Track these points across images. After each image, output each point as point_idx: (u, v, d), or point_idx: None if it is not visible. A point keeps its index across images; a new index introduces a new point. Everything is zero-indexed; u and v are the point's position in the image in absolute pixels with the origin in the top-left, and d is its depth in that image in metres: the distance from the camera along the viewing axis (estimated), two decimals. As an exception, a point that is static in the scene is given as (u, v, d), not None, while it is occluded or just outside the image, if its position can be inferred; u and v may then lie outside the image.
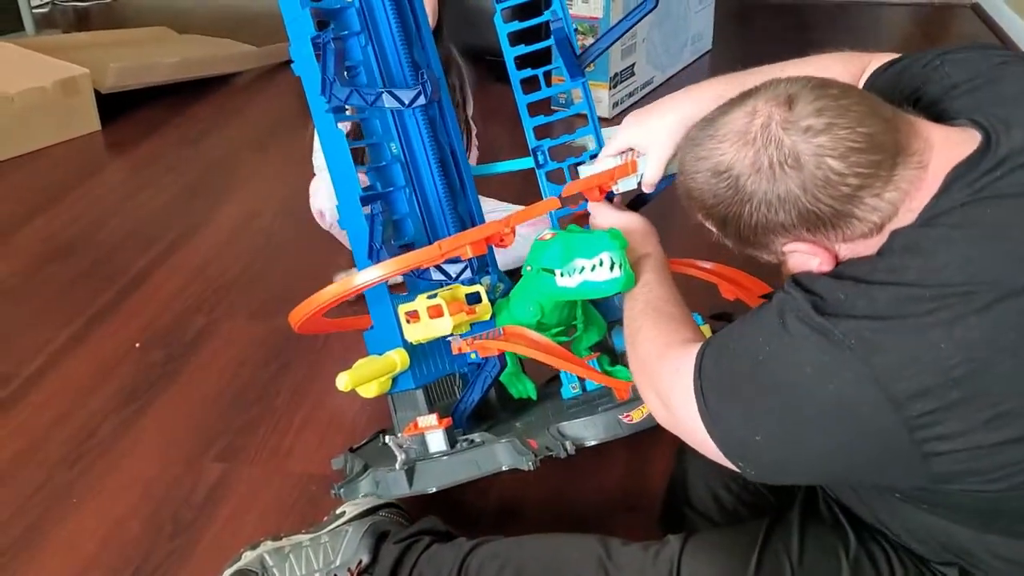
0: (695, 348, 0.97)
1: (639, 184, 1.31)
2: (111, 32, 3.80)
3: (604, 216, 1.30)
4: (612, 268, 1.18)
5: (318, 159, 2.17)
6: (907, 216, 0.89)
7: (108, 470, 1.64)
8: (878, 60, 1.13)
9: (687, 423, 0.96)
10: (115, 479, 1.62)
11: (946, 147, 0.90)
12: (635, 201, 1.46)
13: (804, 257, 0.95)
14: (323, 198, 2.06)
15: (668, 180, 1.39)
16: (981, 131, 0.91)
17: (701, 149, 0.95)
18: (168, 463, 1.65)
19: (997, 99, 0.96)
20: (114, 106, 3.11)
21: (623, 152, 1.29)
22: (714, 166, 0.93)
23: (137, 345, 1.97)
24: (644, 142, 1.25)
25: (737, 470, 0.94)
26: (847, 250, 0.93)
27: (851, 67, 1.13)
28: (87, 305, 2.13)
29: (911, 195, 0.89)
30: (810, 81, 0.92)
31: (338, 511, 1.36)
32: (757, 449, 0.91)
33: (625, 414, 1.17)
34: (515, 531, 1.30)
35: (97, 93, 3.04)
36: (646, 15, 1.45)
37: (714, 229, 1.00)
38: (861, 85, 1.11)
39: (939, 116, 0.98)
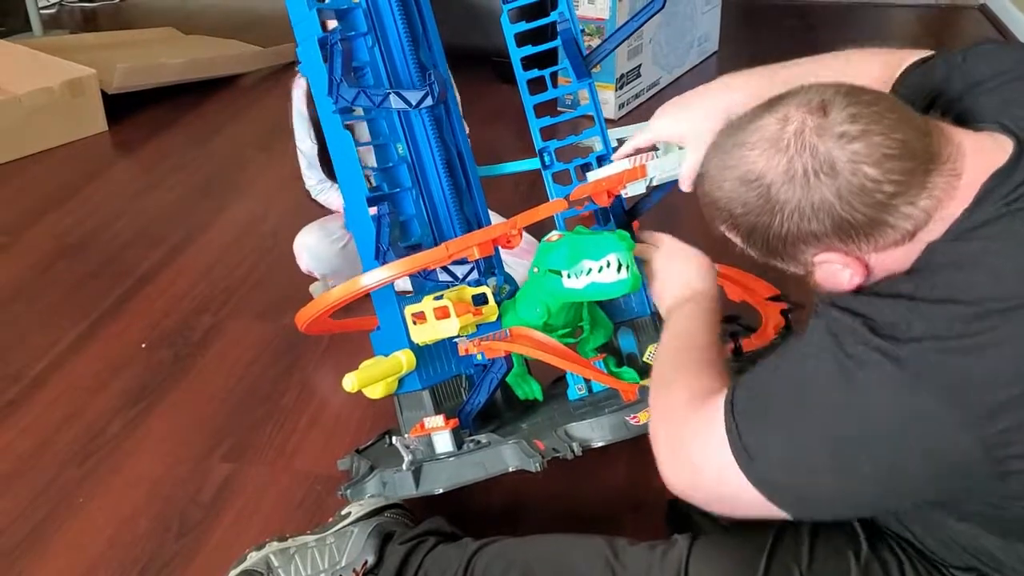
0: (719, 398, 0.94)
1: (648, 187, 1.31)
2: (118, 33, 3.81)
3: (666, 247, 1.27)
4: (619, 269, 1.18)
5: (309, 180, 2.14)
6: (938, 225, 0.88)
7: (115, 469, 1.65)
8: (912, 57, 1.12)
9: (717, 475, 0.92)
10: (122, 478, 1.62)
11: (979, 155, 0.89)
12: (635, 206, 1.46)
13: (835, 268, 0.93)
14: (306, 260, 2.05)
15: (669, 187, 1.40)
16: (1012, 137, 0.90)
17: (729, 157, 0.93)
18: (175, 462, 1.65)
19: (1022, 102, 0.95)
20: (121, 107, 3.12)
21: (643, 150, 1.29)
22: (744, 174, 0.91)
23: (144, 345, 1.98)
24: (681, 134, 1.23)
25: (780, 513, 0.91)
26: (876, 260, 0.92)
27: (891, 64, 1.12)
28: (95, 305, 2.13)
29: (944, 203, 0.88)
30: (841, 87, 0.90)
31: (343, 512, 1.36)
32: (808, 481, 0.88)
33: (632, 416, 1.17)
34: (521, 531, 1.30)
35: (104, 94, 3.05)
36: (653, 15, 1.45)
37: (738, 240, 0.97)
38: (894, 82, 1.11)
39: (963, 115, 0.98)
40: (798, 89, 0.92)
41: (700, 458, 0.95)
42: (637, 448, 1.31)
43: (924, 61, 1.10)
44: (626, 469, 1.54)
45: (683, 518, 1.35)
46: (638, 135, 1.30)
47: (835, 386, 0.86)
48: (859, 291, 0.93)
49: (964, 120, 0.97)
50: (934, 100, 1.04)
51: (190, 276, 2.25)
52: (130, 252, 2.36)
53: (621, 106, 3.04)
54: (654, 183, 1.30)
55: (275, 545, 1.33)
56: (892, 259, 0.91)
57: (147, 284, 2.22)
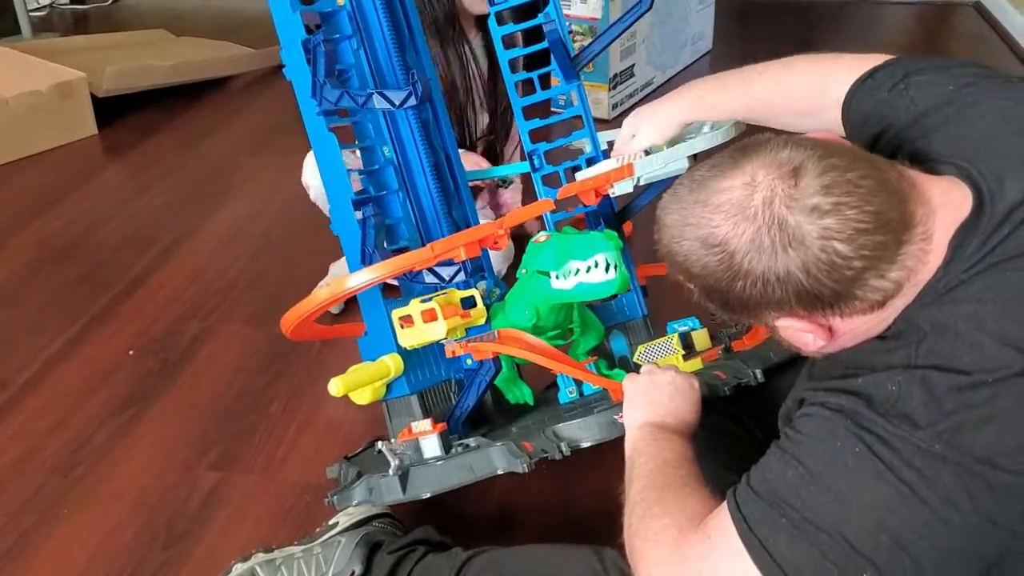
0: (718, 513, 0.88)
1: (636, 186, 1.30)
2: (108, 35, 3.79)
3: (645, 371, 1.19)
4: (607, 269, 1.17)
5: None
6: (911, 291, 0.86)
7: (102, 478, 1.63)
8: (869, 64, 1.08)
9: None
10: (109, 487, 1.60)
11: (946, 208, 0.87)
12: (626, 207, 1.45)
13: (796, 332, 0.91)
14: (310, 174, 1.99)
15: (661, 185, 1.38)
16: (970, 184, 0.88)
17: (690, 214, 0.88)
18: (163, 471, 1.63)
19: (975, 140, 0.92)
20: (111, 110, 3.09)
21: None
22: (705, 237, 0.87)
23: (131, 352, 1.95)
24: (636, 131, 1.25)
25: None
26: (842, 325, 0.89)
27: (854, 71, 1.09)
28: (83, 310, 2.11)
29: (916, 271, 0.85)
30: (816, 147, 0.86)
31: (331, 521, 1.34)
32: None
33: (620, 414, 1.15)
34: (511, 540, 1.28)
35: (94, 97, 3.03)
36: (640, 17, 1.43)
37: (696, 292, 0.93)
38: (843, 101, 1.08)
39: (918, 155, 0.95)
40: (768, 144, 0.87)
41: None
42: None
43: (868, 77, 1.06)
44: (618, 476, 1.51)
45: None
46: (626, 146, 1.30)
47: (846, 483, 0.81)
48: (838, 363, 0.90)
49: (920, 160, 0.94)
50: (884, 130, 1.02)
51: (179, 281, 2.22)
52: (119, 257, 2.34)
53: (615, 106, 3.02)
54: (642, 182, 1.28)
55: (261, 556, 1.31)
56: (860, 324, 0.89)
57: (136, 289, 2.20)
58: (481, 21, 1.97)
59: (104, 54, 3.28)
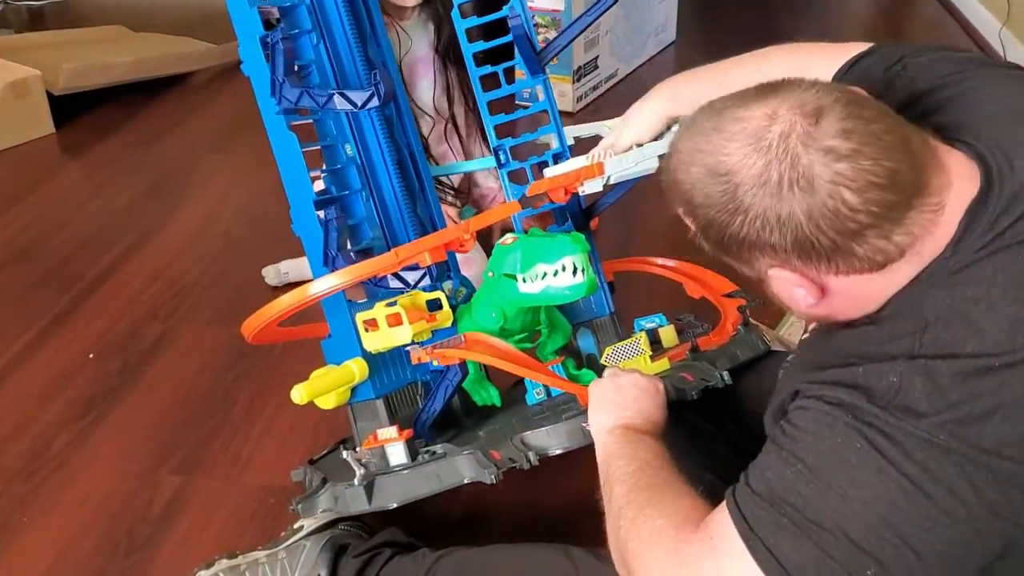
0: (717, 513, 0.86)
1: (605, 184, 1.28)
2: (65, 32, 3.72)
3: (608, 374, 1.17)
4: (575, 273, 1.16)
5: None
6: (913, 259, 0.83)
7: (62, 485, 1.60)
8: (851, 51, 1.07)
9: None
10: (69, 494, 1.57)
11: (961, 181, 0.84)
12: (593, 205, 1.43)
13: (787, 286, 0.88)
14: None
15: (627, 186, 1.37)
16: (979, 162, 0.86)
17: (704, 140, 0.85)
18: (124, 477, 1.60)
19: (980, 120, 0.91)
20: (68, 107, 3.03)
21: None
22: (713, 165, 0.83)
23: (91, 355, 1.92)
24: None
25: None
26: (836, 284, 0.86)
27: (836, 58, 1.07)
28: (42, 313, 2.07)
29: (922, 240, 0.82)
30: (844, 95, 0.82)
31: (296, 525, 1.33)
32: None
33: (587, 422, 1.14)
34: (480, 540, 1.27)
35: (50, 95, 2.97)
36: (608, 8, 1.41)
37: (693, 227, 0.91)
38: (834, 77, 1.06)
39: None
40: (796, 83, 0.84)
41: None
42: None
43: (857, 61, 1.05)
44: (586, 474, 1.50)
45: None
46: (619, 140, 1.27)
47: (867, 462, 0.79)
48: (835, 350, 0.88)
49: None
50: None
51: (140, 281, 2.19)
52: (78, 258, 2.30)
53: (579, 99, 3.01)
54: (611, 181, 1.27)
55: (224, 563, 1.29)
56: (855, 288, 0.86)
57: (96, 291, 2.16)
58: (428, 5, 1.95)
59: (60, 51, 3.21)
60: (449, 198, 2.02)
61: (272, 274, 2.12)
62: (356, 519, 1.34)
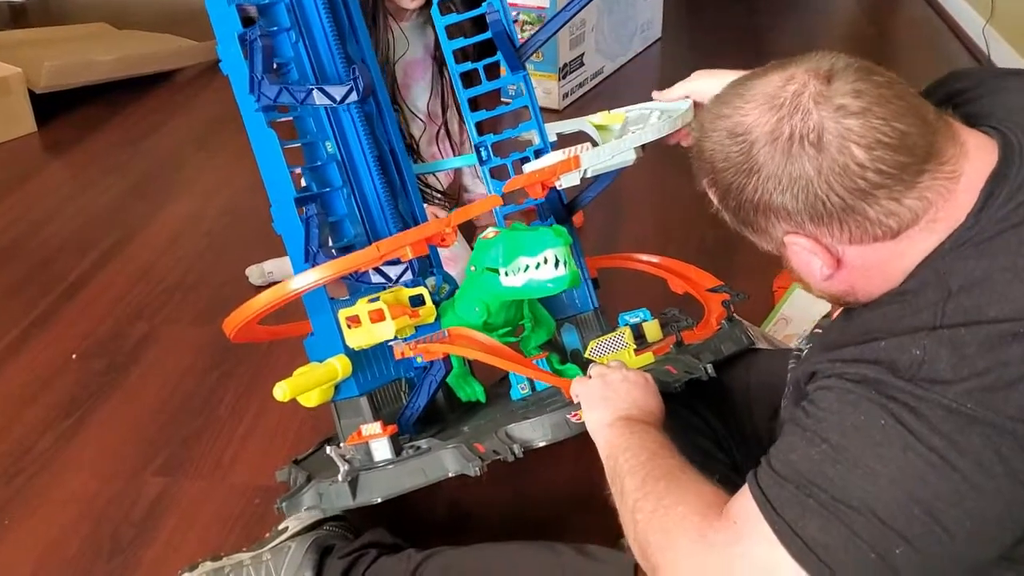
0: (740, 498, 0.85)
1: (582, 178, 1.28)
2: (47, 29, 3.69)
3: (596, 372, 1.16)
4: (557, 266, 1.16)
5: None
6: (930, 227, 0.83)
7: (46, 487, 1.58)
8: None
9: None
10: (52, 496, 1.56)
11: (979, 156, 0.85)
12: (575, 199, 1.43)
13: (804, 254, 0.88)
14: None
15: (608, 179, 1.36)
16: (999, 137, 0.86)
17: (725, 107, 0.88)
18: (108, 478, 1.59)
19: (1006, 108, 0.91)
20: (50, 106, 3.02)
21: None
22: (733, 126, 0.86)
23: (74, 356, 1.91)
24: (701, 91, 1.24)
25: None
26: (852, 255, 0.86)
27: None
28: (25, 313, 2.06)
29: (937, 206, 0.83)
30: (858, 62, 0.85)
31: (280, 526, 1.31)
32: (891, 558, 0.78)
33: (572, 413, 1.13)
34: (466, 539, 1.27)
35: (32, 93, 2.95)
36: (585, 5, 1.41)
37: (715, 199, 0.92)
38: None
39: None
40: (814, 53, 0.87)
41: (739, 564, 0.83)
42: (582, 446, 1.29)
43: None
44: (571, 468, 1.51)
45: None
46: (674, 89, 1.30)
47: (892, 439, 0.78)
48: (855, 328, 0.87)
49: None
50: None
51: (124, 281, 2.18)
52: (62, 257, 2.29)
53: (565, 95, 3.00)
54: (588, 174, 1.27)
55: (208, 565, 1.28)
56: (871, 258, 0.86)
57: (79, 290, 2.15)
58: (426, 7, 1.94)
59: (43, 49, 3.19)
60: (437, 200, 2.01)
61: (256, 274, 2.11)
62: (341, 520, 1.33)
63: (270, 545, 1.28)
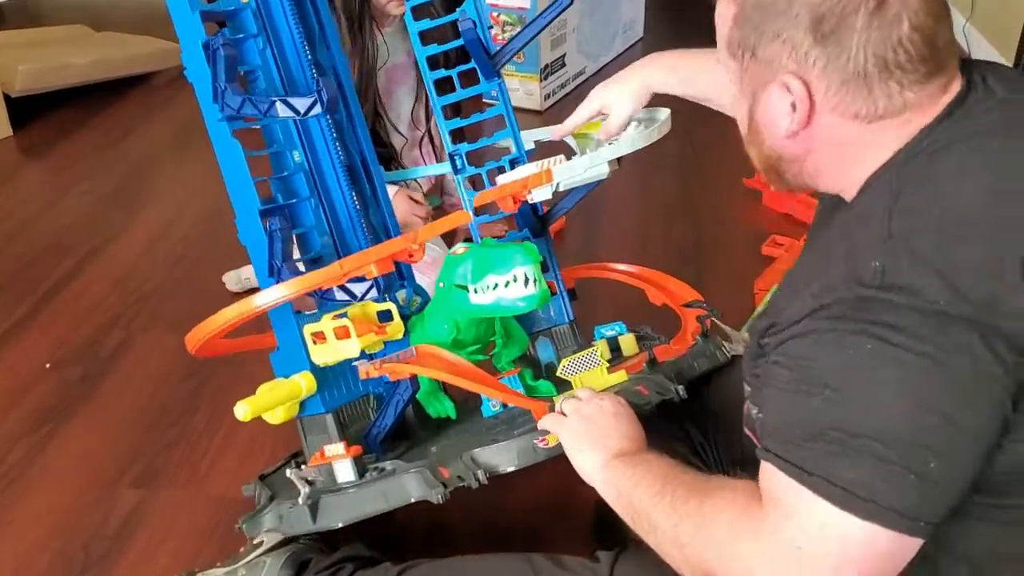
0: (768, 479, 0.84)
1: (554, 191, 1.27)
2: (24, 31, 3.65)
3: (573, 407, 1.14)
4: (527, 284, 1.15)
5: None
6: (901, 128, 0.84)
7: (17, 499, 1.57)
8: None
9: (822, 544, 0.80)
10: (24, 510, 1.54)
11: (956, 86, 0.86)
12: (549, 211, 1.41)
13: (782, 105, 0.85)
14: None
15: (584, 190, 1.35)
16: (965, 73, 0.88)
17: None
18: (81, 490, 1.58)
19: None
20: (26, 109, 2.99)
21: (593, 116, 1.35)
22: None
23: (48, 365, 1.88)
24: (608, 100, 1.31)
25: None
26: (827, 122, 0.85)
27: None
28: (-1, 321, 2.03)
29: (916, 111, 0.84)
30: None
31: (256, 540, 1.29)
32: (921, 476, 0.78)
33: (540, 439, 1.12)
34: (443, 551, 1.25)
35: (7, 96, 2.92)
36: (561, 12, 1.39)
37: (733, 7, 0.88)
38: None
39: None
40: None
41: (800, 537, 0.82)
42: (559, 456, 1.28)
43: None
44: (547, 478, 1.49)
45: (609, 528, 1.31)
46: (581, 108, 1.35)
47: (883, 358, 0.78)
48: (806, 270, 0.89)
49: None
50: None
51: (100, 288, 2.16)
52: (36, 264, 2.27)
53: (547, 96, 2.98)
54: (560, 187, 1.25)
55: (182, 581, 1.26)
56: (839, 134, 0.85)
57: (54, 298, 2.13)
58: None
59: (19, 52, 3.16)
60: (418, 196, 1.98)
61: (233, 280, 2.09)
62: (318, 533, 1.32)
63: (245, 560, 1.26)
